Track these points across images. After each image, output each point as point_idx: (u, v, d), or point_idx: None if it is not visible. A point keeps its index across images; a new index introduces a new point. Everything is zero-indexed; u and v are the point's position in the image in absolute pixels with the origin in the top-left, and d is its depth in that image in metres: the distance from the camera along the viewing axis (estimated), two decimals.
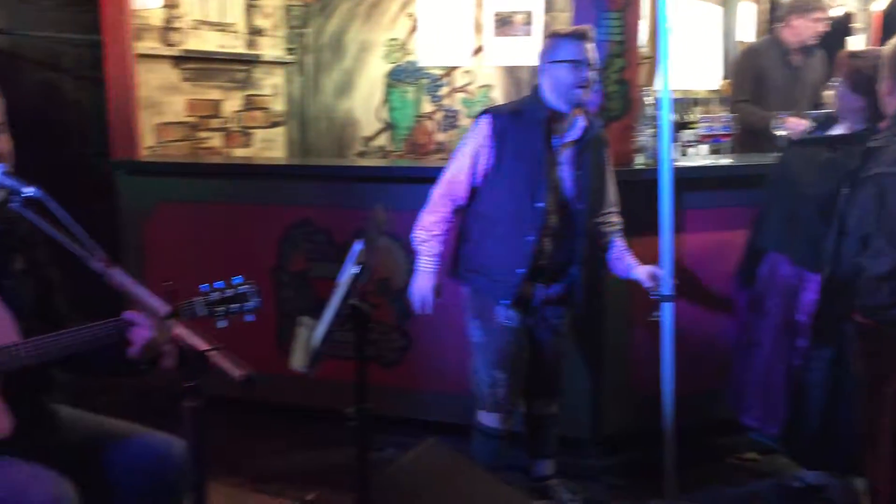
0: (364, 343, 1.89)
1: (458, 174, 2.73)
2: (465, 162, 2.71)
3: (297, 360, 1.77)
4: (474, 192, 2.75)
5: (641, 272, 2.75)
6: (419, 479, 2.37)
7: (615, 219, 2.86)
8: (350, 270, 1.78)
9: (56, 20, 4.46)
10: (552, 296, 2.77)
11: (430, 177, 2.85)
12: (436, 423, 3.40)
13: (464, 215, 2.80)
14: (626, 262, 2.81)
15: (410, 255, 3.60)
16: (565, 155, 2.71)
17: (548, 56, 2.67)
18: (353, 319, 1.84)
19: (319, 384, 3.71)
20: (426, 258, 2.77)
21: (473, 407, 2.87)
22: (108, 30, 3.97)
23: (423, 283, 2.77)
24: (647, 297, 2.78)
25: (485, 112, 2.77)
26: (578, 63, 2.60)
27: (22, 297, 1.85)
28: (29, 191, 1.63)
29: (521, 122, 2.67)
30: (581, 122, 2.72)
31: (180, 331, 1.38)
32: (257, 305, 1.96)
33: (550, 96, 2.66)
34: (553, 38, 2.72)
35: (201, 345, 1.35)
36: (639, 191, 3.01)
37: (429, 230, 2.75)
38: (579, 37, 2.63)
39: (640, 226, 2.93)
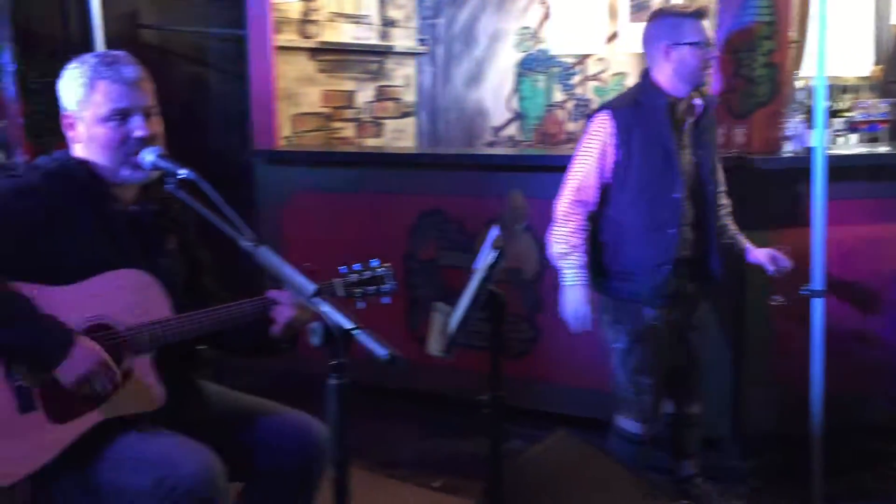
0: (500, 330, 1.86)
1: (586, 178, 2.58)
2: (591, 164, 2.56)
3: (434, 346, 1.76)
4: (602, 196, 2.61)
5: (761, 255, 2.61)
6: (549, 469, 2.33)
7: (725, 200, 2.73)
8: (487, 256, 1.75)
9: (202, 16, 4.66)
10: (695, 288, 2.66)
11: (561, 165, 2.78)
12: (563, 416, 3.35)
13: (593, 222, 2.66)
14: (742, 245, 2.67)
15: (541, 244, 3.60)
16: (688, 139, 2.59)
17: (669, 38, 2.51)
18: (489, 306, 1.82)
19: (450, 372, 3.74)
20: (572, 271, 2.59)
21: (602, 402, 2.80)
22: (251, 23, 4.12)
23: (575, 297, 2.60)
24: (788, 285, 2.62)
25: (601, 109, 2.62)
26: (703, 44, 2.48)
27: (175, 276, 1.92)
28: (183, 172, 1.70)
29: (642, 114, 2.53)
30: (698, 102, 2.59)
31: (326, 308, 1.40)
32: (393, 288, 2.00)
33: (670, 81, 2.53)
34: (672, 17, 2.55)
35: (347, 323, 1.36)
36: (785, 180, 2.85)
37: (568, 242, 2.59)
38: (701, 15, 2.50)
39: (786, 217, 2.78)
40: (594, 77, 4.93)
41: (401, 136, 5.27)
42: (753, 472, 3.10)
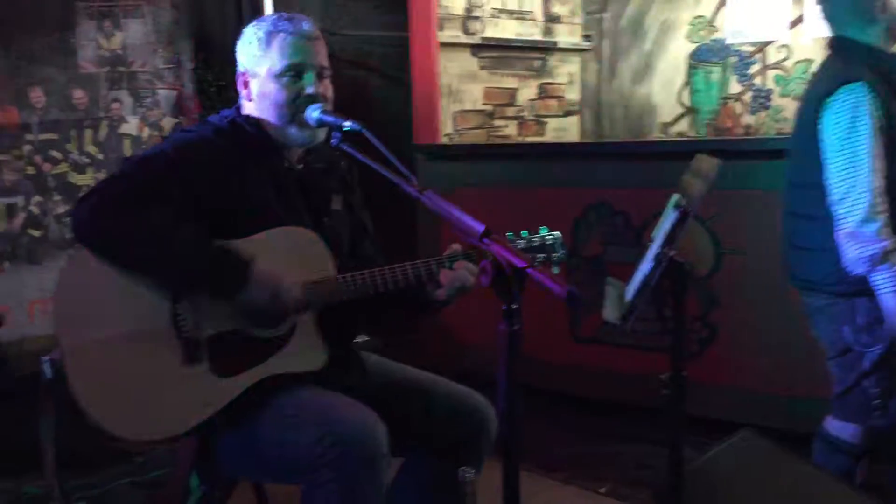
0: (682, 301, 1.67)
1: (878, 158, 2.12)
2: (875, 144, 2.11)
3: (610, 313, 1.61)
4: None
5: None
6: (733, 472, 2.09)
7: None
8: (669, 217, 1.58)
9: (365, 21, 4.74)
10: None
11: (737, 151, 2.52)
12: (740, 424, 3.06)
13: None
14: None
15: (715, 238, 3.34)
16: None
17: None
18: (670, 274, 1.63)
19: (614, 377, 3.57)
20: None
21: (789, 409, 2.50)
22: (414, 18, 4.12)
23: None
24: None
25: (849, 83, 2.15)
26: None
27: (339, 236, 1.89)
28: (348, 124, 1.67)
29: (889, 80, 2.16)
30: None
31: (496, 249, 1.29)
32: (563, 257, 1.89)
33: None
34: None
35: (520, 262, 1.24)
36: None
37: (888, 237, 2.12)
38: None
39: None
40: (775, 66, 4.57)
41: (564, 135, 5.11)
42: None
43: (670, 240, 1.57)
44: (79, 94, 3.46)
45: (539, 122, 4.98)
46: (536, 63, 4.93)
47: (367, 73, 4.89)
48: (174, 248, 1.64)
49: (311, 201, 1.86)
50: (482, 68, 4.61)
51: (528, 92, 4.89)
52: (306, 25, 1.81)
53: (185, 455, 1.69)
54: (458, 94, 4.47)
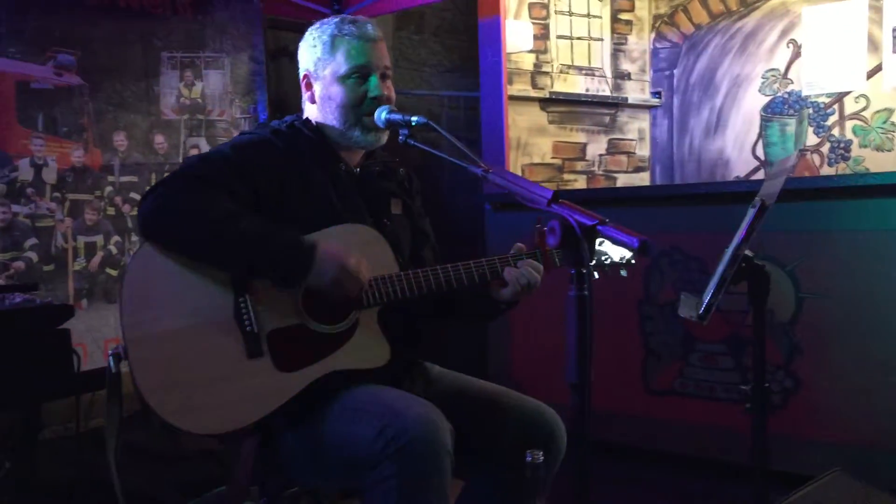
0: (762, 303, 1.59)
1: None
2: None
3: (686, 311, 1.54)
4: None
5: None
6: None
7: None
8: (748, 217, 1.52)
9: (435, 83, 4.85)
10: None
11: (811, 188, 2.42)
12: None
13: None
14: None
15: (795, 282, 3.20)
16: None
17: None
18: (749, 277, 1.56)
19: (690, 430, 3.41)
20: None
21: (879, 461, 2.32)
22: (484, 72, 4.18)
23: None
24: None
25: None
26: None
27: (400, 239, 1.88)
28: (415, 119, 1.68)
29: None
30: None
31: (564, 210, 1.25)
32: (632, 262, 1.82)
33: None
34: None
35: (589, 219, 1.20)
36: None
37: None
38: None
39: None
40: (854, 116, 4.46)
41: None
42: None
43: (748, 236, 1.51)
44: (159, 140, 3.59)
45: (609, 177, 4.94)
46: (606, 118, 4.93)
47: (437, 135, 4.97)
48: (239, 231, 1.64)
49: (371, 204, 1.86)
50: (551, 122, 4.62)
51: (597, 147, 4.88)
52: (370, 28, 1.84)
53: (246, 455, 1.66)
54: (528, 147, 4.49)
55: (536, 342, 3.75)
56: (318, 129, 1.85)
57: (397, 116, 1.75)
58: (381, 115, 1.78)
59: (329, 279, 1.65)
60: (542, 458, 1.28)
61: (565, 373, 1.17)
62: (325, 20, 1.89)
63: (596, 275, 1.85)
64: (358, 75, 1.81)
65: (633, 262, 1.87)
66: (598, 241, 1.85)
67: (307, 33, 1.90)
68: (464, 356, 2.74)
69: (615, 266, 1.83)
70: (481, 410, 1.81)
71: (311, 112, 1.89)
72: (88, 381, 2.24)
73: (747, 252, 1.56)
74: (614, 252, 1.84)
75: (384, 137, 1.83)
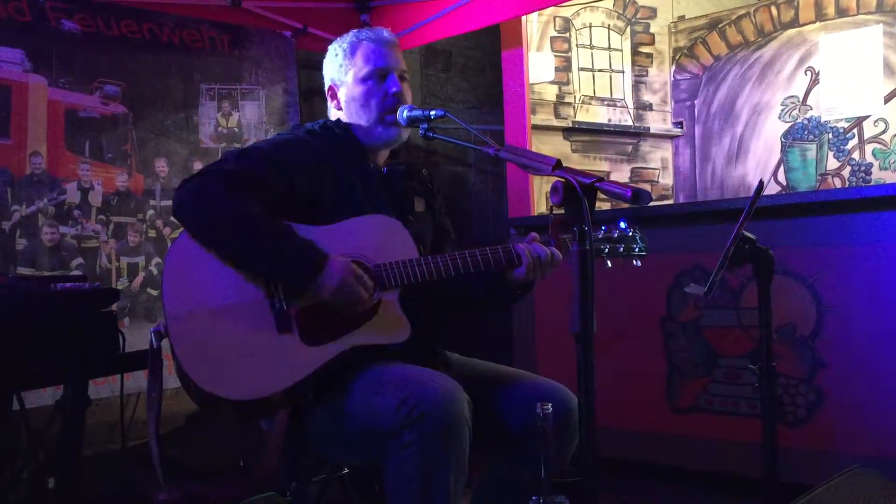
0: (767, 282, 1.66)
1: None
2: None
3: (693, 287, 1.62)
4: None
5: None
6: None
7: None
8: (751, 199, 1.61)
9: (462, 119, 5.02)
10: None
11: (833, 201, 2.46)
12: None
13: None
14: None
15: (816, 295, 3.23)
16: None
17: None
18: (750, 258, 1.64)
19: (714, 446, 3.42)
20: None
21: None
22: (508, 102, 4.33)
23: None
24: None
25: None
26: None
27: (423, 235, 1.99)
28: (433, 112, 1.80)
29: None
30: None
31: (565, 174, 1.35)
32: (644, 250, 1.91)
33: None
34: None
35: (587, 178, 1.31)
36: None
37: None
38: None
39: None
40: (873, 139, 4.52)
41: None
42: None
43: (748, 215, 1.59)
44: (198, 167, 3.77)
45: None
46: (628, 147, 5.04)
47: (464, 169, 5.14)
48: (255, 243, 1.74)
49: (396, 201, 1.97)
50: (574, 151, 4.75)
51: (620, 176, 4.98)
52: (386, 33, 2.00)
53: (278, 430, 1.76)
54: (551, 177, 4.59)
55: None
56: (347, 129, 1.98)
57: (418, 112, 1.88)
58: (403, 113, 1.91)
59: (333, 287, 1.74)
60: (550, 409, 1.36)
61: (570, 324, 1.26)
62: (343, 35, 2.05)
63: (609, 263, 1.93)
64: (377, 76, 1.95)
65: (644, 252, 1.95)
66: (612, 231, 1.94)
67: (329, 48, 2.06)
68: (490, 345, 2.82)
69: (627, 255, 1.91)
70: (501, 391, 1.89)
71: (338, 117, 2.03)
72: (131, 362, 2.38)
73: (749, 234, 1.63)
74: (628, 242, 1.92)
75: (406, 134, 1.96)
